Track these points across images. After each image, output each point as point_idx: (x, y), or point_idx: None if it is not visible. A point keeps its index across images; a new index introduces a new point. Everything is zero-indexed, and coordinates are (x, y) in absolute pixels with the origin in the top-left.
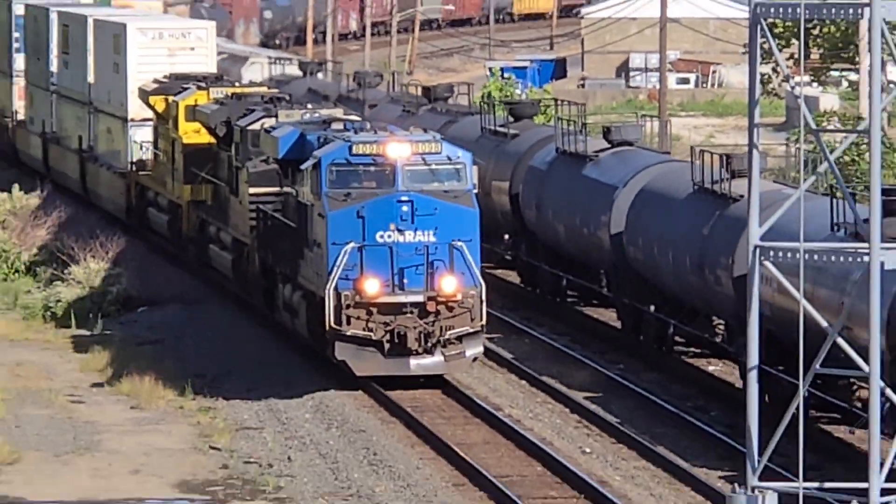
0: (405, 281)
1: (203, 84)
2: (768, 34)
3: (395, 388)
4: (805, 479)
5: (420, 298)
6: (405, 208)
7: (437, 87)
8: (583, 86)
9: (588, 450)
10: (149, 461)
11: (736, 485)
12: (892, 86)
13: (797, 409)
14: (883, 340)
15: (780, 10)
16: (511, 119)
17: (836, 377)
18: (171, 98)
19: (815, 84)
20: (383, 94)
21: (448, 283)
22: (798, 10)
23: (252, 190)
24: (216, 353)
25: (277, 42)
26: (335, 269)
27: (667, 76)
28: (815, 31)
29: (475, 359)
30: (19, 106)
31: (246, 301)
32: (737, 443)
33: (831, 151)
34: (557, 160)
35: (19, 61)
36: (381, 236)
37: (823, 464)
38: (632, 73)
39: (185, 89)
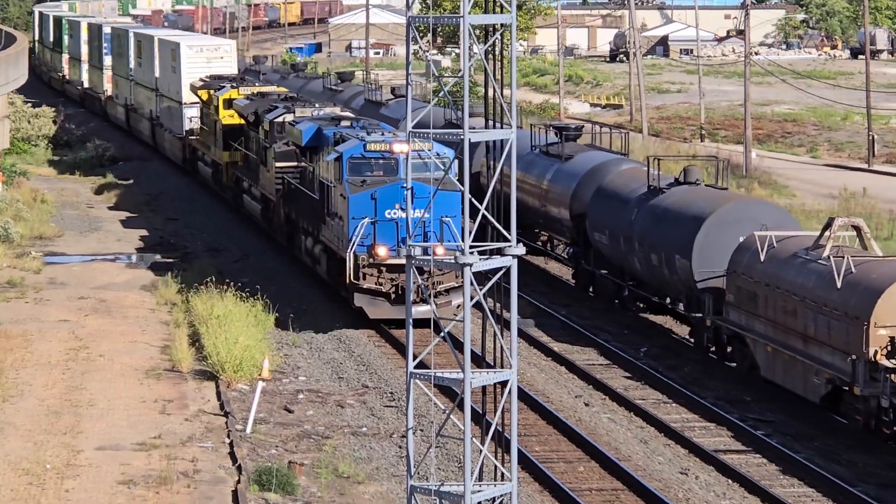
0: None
1: (234, 84)
2: (415, 32)
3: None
4: None
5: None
6: (408, 192)
7: (297, 64)
8: (329, 55)
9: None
10: (127, 234)
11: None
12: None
13: None
14: (566, 212)
15: (415, 20)
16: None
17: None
18: (212, 92)
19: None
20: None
21: (438, 249)
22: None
23: (278, 164)
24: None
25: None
26: (354, 237)
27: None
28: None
29: (458, 306)
30: (108, 87)
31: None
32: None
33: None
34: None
35: (107, 60)
36: (389, 213)
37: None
38: (353, 50)
39: (223, 87)
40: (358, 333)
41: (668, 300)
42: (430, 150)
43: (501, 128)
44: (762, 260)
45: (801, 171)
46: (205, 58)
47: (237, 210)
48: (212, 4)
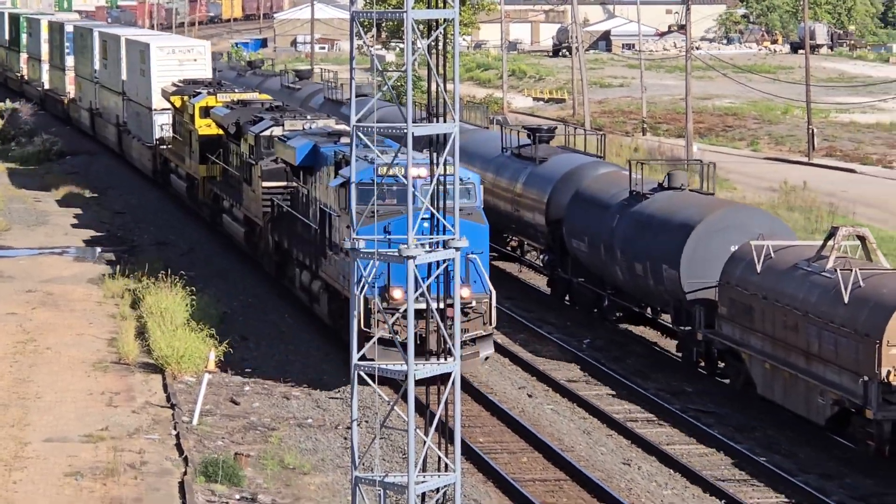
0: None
1: (211, 90)
2: (359, 27)
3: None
4: None
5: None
6: (427, 224)
7: (254, 62)
8: (274, 49)
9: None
10: (76, 231)
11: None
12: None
13: None
14: (542, 218)
15: (358, 15)
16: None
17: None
18: (187, 98)
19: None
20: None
21: (464, 291)
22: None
23: (265, 184)
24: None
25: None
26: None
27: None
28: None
29: (487, 358)
30: (70, 89)
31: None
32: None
33: None
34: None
35: (69, 60)
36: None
37: None
38: (298, 45)
39: (199, 93)
40: (303, 327)
41: (648, 310)
42: (450, 175)
43: (444, 121)
44: (759, 271)
45: (742, 165)
46: (177, 60)
47: (213, 228)
48: (162, 3)
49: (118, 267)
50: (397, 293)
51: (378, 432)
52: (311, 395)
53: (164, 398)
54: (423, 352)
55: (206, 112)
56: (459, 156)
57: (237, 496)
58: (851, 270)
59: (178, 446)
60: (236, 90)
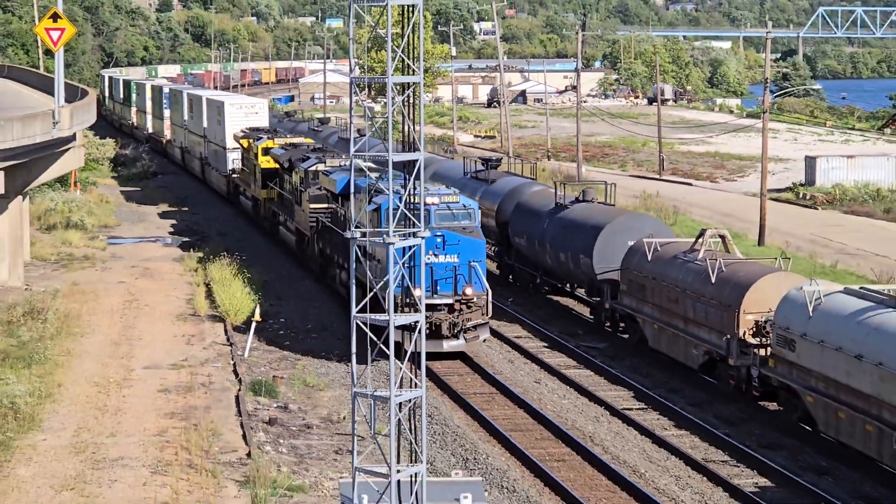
0: (439, 288)
1: (270, 135)
2: (356, 88)
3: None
4: None
5: (449, 300)
6: (439, 239)
7: (290, 112)
8: (299, 103)
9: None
10: (165, 226)
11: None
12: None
13: None
14: (493, 222)
15: (355, 79)
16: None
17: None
18: (252, 141)
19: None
20: None
21: (467, 290)
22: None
23: (312, 206)
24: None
25: None
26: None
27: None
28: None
29: (484, 340)
30: (167, 132)
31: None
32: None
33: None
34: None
35: (166, 112)
36: (424, 258)
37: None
38: (315, 99)
39: (261, 138)
40: (321, 293)
41: (568, 286)
42: (456, 202)
43: (414, 151)
44: (649, 259)
45: (614, 180)
46: (243, 112)
47: (273, 236)
48: (221, 70)
49: (192, 249)
50: (417, 291)
51: (370, 361)
52: (325, 336)
53: (225, 339)
54: (438, 336)
55: (266, 151)
56: (436, 178)
57: (274, 405)
58: (716, 260)
59: (235, 371)
60: (288, 135)
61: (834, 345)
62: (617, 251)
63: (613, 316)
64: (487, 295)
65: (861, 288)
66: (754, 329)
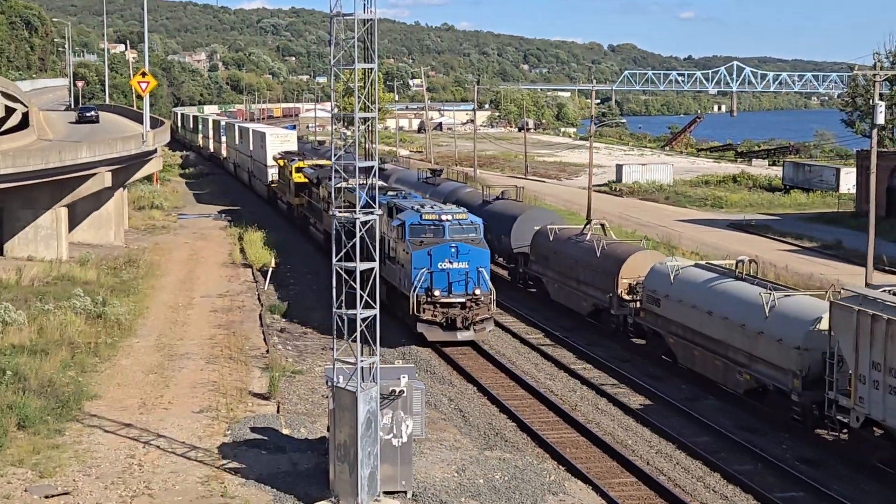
0: (454, 289)
1: (301, 158)
2: (336, 120)
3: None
4: None
5: (462, 299)
6: (454, 250)
7: (301, 136)
8: (298, 129)
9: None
10: (216, 208)
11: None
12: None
13: None
14: (510, 244)
15: (335, 114)
16: (431, 175)
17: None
18: (287, 161)
19: None
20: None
21: (476, 291)
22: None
23: (337, 213)
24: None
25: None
26: (416, 282)
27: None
28: None
29: (489, 331)
30: (224, 153)
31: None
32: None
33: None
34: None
35: (223, 138)
36: (441, 265)
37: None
38: (310, 127)
39: (294, 159)
40: (321, 255)
41: (495, 256)
42: (465, 219)
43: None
44: (551, 239)
45: (497, 179)
46: (279, 140)
47: (304, 233)
48: (247, 109)
49: (231, 223)
50: (436, 292)
51: (344, 293)
52: (318, 279)
53: (252, 279)
54: (453, 328)
55: (298, 170)
56: (398, 182)
57: (283, 321)
58: (600, 240)
59: (258, 298)
60: (315, 158)
61: (690, 303)
62: (527, 233)
63: (525, 277)
64: (492, 295)
65: (708, 263)
66: (628, 289)
